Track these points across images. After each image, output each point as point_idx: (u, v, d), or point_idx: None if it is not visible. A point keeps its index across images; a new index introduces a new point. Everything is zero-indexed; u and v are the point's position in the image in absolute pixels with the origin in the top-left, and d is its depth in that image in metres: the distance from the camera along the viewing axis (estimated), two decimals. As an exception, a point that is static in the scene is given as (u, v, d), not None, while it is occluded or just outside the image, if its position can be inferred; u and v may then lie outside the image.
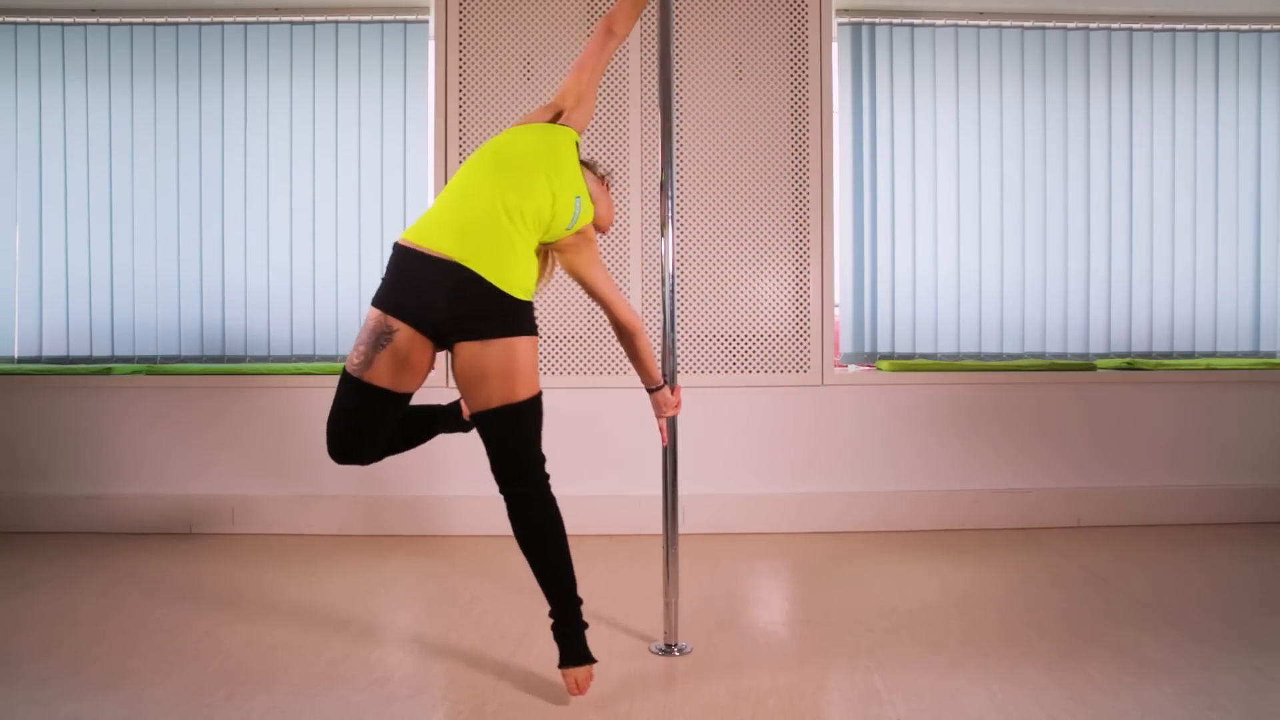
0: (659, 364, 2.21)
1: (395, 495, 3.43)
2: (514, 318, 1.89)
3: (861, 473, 3.50)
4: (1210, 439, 3.57)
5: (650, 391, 2.18)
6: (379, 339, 1.86)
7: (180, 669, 2.07)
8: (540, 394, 1.93)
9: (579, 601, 1.94)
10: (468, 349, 1.86)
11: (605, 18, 2.16)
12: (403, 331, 1.86)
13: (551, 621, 1.95)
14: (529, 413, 1.90)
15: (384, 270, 1.93)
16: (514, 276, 1.88)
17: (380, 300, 1.89)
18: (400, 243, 1.91)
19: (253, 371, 3.48)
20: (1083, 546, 3.18)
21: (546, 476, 1.93)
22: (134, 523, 3.44)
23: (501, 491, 1.91)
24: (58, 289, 3.64)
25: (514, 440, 1.90)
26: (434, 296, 1.84)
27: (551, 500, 1.92)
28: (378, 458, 1.98)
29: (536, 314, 3.41)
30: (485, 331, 1.85)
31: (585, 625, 1.94)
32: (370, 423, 1.90)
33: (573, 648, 1.91)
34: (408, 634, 2.34)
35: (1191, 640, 2.23)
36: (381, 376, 1.87)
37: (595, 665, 1.94)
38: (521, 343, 1.89)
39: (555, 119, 2.07)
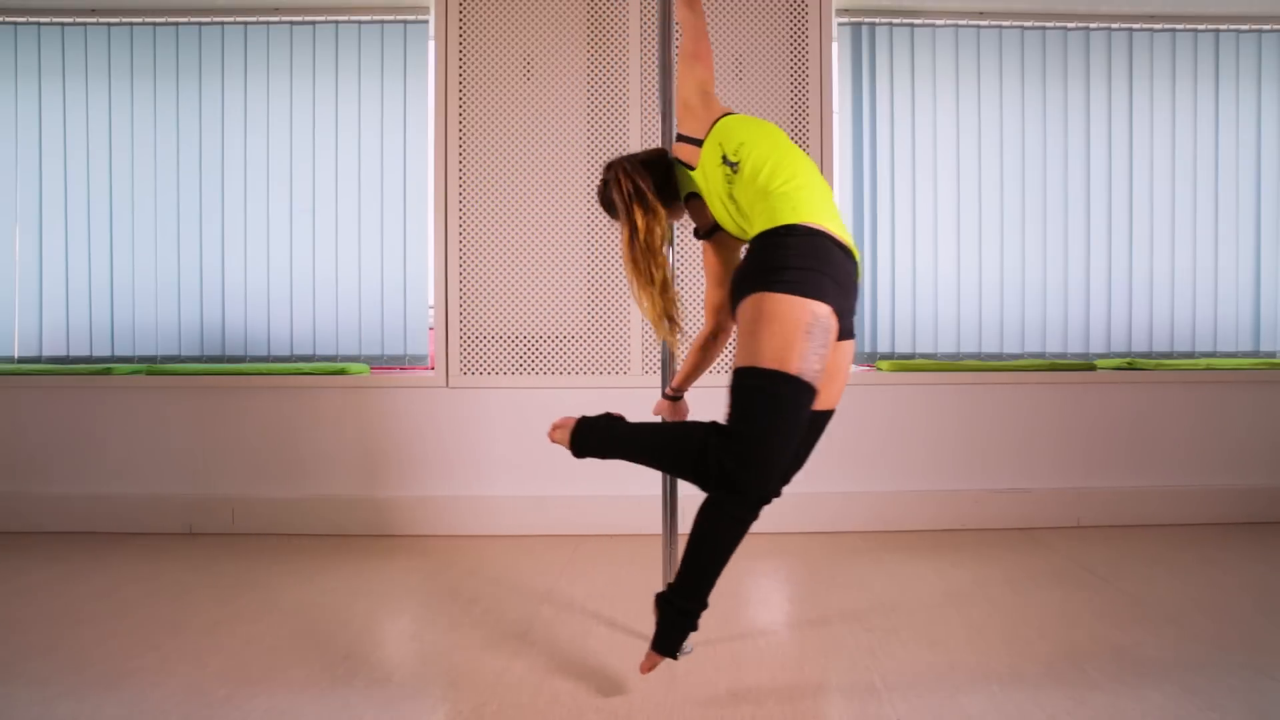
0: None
1: (395, 495, 3.43)
2: None
3: (861, 473, 3.49)
4: (1210, 439, 3.57)
5: (674, 399, 2.17)
6: (827, 339, 1.64)
7: (180, 669, 2.06)
8: None
9: (705, 606, 1.86)
10: (842, 347, 1.83)
11: (682, 5, 2.12)
12: (834, 330, 1.68)
13: (666, 603, 1.85)
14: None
15: (802, 254, 1.64)
16: None
17: (827, 294, 1.64)
18: (817, 228, 1.68)
19: (253, 371, 3.48)
20: (1083, 546, 3.18)
21: None
22: (134, 523, 3.44)
23: (774, 492, 1.76)
24: (58, 289, 3.64)
25: (814, 445, 1.91)
26: (852, 290, 1.74)
27: None
28: None
29: (534, 313, 3.39)
30: (851, 329, 1.85)
31: (695, 628, 1.88)
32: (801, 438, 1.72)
33: (676, 636, 1.86)
34: (408, 634, 2.33)
35: (1191, 640, 2.23)
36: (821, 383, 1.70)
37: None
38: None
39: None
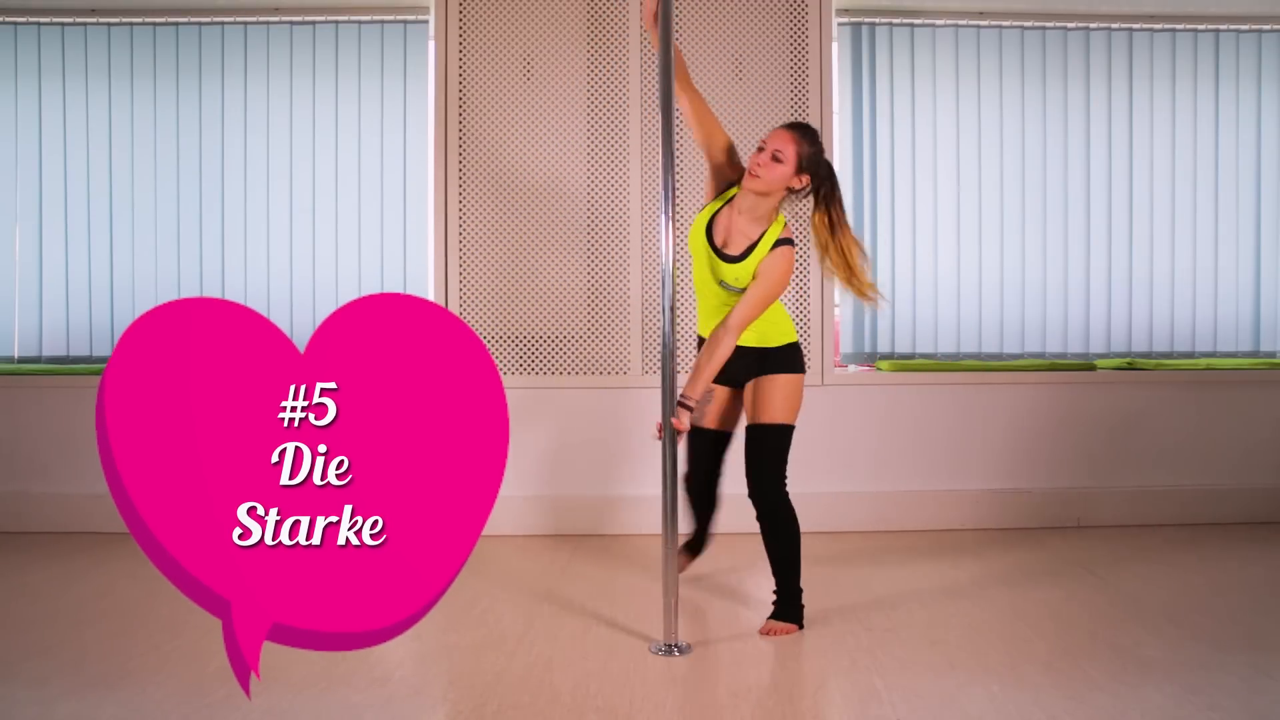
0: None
1: (395, 495, 3.43)
2: None
3: (861, 473, 3.49)
4: (1210, 439, 3.56)
5: (690, 408, 2.21)
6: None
7: (180, 669, 2.07)
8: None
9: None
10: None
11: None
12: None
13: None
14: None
15: None
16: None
17: None
18: None
19: (253, 371, 3.48)
20: (1083, 546, 3.18)
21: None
22: (134, 523, 3.44)
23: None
24: (58, 289, 3.64)
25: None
26: None
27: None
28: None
29: (534, 313, 3.41)
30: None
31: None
32: None
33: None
34: (407, 634, 2.33)
35: (1191, 640, 2.23)
36: None
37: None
38: None
39: (716, 179, 2.43)
